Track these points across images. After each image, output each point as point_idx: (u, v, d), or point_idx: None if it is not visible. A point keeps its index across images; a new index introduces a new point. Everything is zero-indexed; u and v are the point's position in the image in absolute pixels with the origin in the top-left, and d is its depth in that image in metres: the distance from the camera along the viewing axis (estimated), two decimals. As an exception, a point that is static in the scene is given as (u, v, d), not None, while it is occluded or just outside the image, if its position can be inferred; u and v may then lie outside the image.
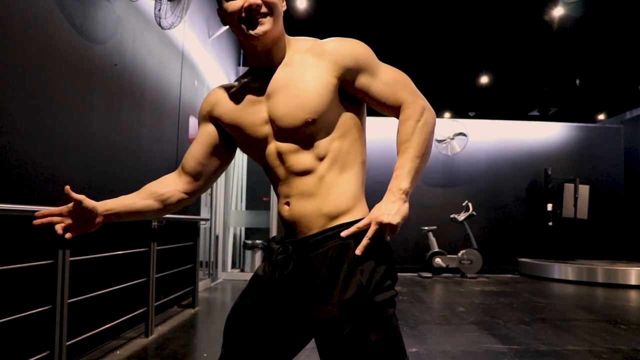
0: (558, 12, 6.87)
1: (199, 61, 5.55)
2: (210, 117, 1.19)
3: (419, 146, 1.05)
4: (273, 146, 1.09)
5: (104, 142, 3.22)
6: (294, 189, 1.07)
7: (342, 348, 0.98)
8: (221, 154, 1.21)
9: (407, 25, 7.44)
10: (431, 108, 1.10)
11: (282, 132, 1.07)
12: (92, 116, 3.08)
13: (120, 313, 3.17)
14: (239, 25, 1.05)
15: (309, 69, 1.06)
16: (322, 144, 1.06)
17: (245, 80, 1.16)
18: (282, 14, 1.09)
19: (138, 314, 3.37)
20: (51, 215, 1.07)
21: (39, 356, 2.25)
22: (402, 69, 1.14)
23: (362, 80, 1.08)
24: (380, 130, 7.18)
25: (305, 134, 1.05)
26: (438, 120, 9.52)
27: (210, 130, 1.19)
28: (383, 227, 0.99)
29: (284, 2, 1.10)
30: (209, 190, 6.48)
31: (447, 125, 8.78)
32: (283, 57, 1.11)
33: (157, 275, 3.58)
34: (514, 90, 10.25)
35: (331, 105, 1.06)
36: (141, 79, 3.84)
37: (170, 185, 1.19)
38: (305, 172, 1.06)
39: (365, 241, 0.99)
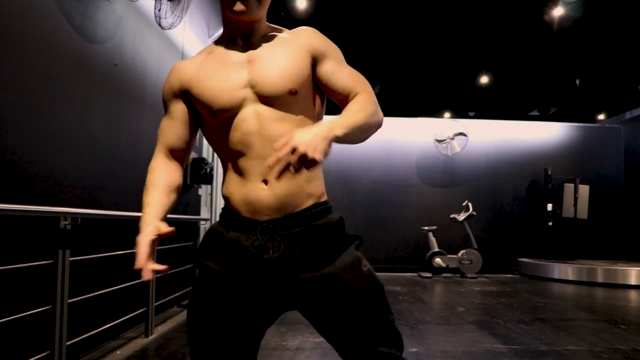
0: (558, 12, 6.87)
1: (199, 61, 5.54)
2: (181, 92, 1.16)
3: (367, 115, 1.07)
4: (251, 110, 1.08)
5: (104, 141, 3.22)
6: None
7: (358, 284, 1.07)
8: (194, 131, 1.20)
9: (407, 25, 7.44)
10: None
11: (264, 98, 1.08)
12: (92, 116, 3.08)
13: (120, 313, 3.17)
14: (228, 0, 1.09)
15: (287, 45, 1.13)
16: (297, 121, 1.09)
17: (216, 49, 1.17)
18: (268, 3, 1.14)
19: (138, 314, 3.37)
20: (148, 261, 1.02)
21: (39, 356, 2.25)
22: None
23: (330, 65, 1.14)
24: (380, 131, 7.18)
25: (285, 103, 1.08)
26: (438, 120, 9.58)
27: (184, 107, 1.17)
28: (298, 153, 0.91)
29: None
30: (209, 190, 6.48)
31: (447, 125, 8.78)
32: (262, 34, 1.16)
33: (157, 275, 3.57)
34: (514, 90, 10.24)
35: (307, 81, 1.12)
36: (141, 79, 3.84)
37: (174, 172, 1.19)
38: None
39: (273, 159, 0.92)
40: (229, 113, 1.09)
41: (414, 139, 8.85)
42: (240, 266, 1.08)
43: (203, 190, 5.92)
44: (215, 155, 6.34)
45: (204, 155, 5.90)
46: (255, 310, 1.09)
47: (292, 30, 1.18)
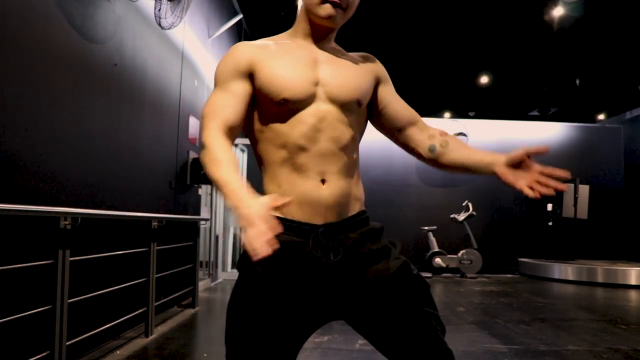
0: (558, 12, 6.87)
1: (199, 61, 5.55)
2: (248, 72, 1.11)
3: None
4: (321, 107, 1.09)
5: (104, 142, 3.22)
6: (333, 166, 1.08)
7: (412, 283, 1.12)
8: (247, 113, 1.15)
9: (407, 25, 7.44)
10: None
11: (334, 100, 1.10)
12: (92, 116, 3.08)
13: (120, 313, 3.17)
14: (319, 1, 1.10)
15: (355, 61, 1.20)
16: (355, 129, 1.15)
17: (285, 43, 1.17)
18: (350, 16, 1.16)
19: (138, 314, 3.37)
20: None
21: (39, 356, 2.25)
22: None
23: (391, 91, 1.24)
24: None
25: (350, 109, 1.12)
26: (438, 120, 9.56)
27: (248, 86, 1.11)
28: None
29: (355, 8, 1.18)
30: (209, 190, 6.48)
31: (447, 125, 8.78)
32: (332, 46, 1.21)
33: (157, 275, 3.57)
34: (514, 90, 10.25)
35: (368, 98, 1.18)
36: (141, 79, 3.84)
37: (232, 151, 1.10)
38: (345, 148, 1.10)
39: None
40: (296, 105, 1.08)
41: (414, 139, 8.84)
42: (296, 270, 1.06)
43: (203, 190, 5.92)
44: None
45: (204, 155, 5.89)
46: (306, 316, 1.08)
47: (356, 53, 1.24)
